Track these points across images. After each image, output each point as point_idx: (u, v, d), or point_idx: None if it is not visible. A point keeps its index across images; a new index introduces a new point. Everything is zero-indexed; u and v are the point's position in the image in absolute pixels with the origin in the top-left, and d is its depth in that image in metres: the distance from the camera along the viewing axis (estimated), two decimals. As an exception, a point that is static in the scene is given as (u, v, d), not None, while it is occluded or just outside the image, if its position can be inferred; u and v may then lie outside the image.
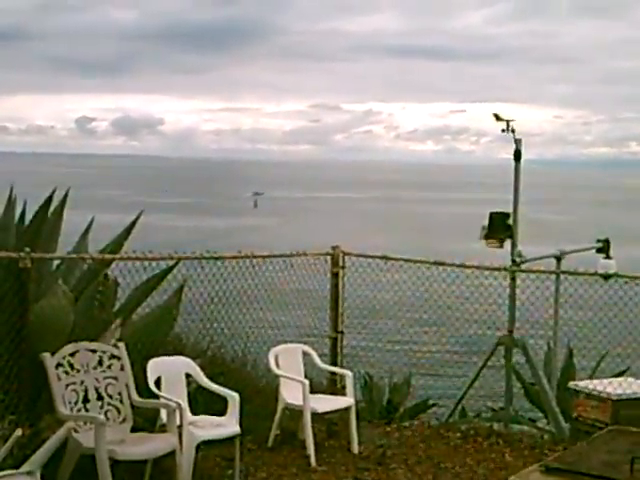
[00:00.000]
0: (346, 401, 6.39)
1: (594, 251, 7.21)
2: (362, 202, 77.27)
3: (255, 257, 7.01)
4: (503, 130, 6.91)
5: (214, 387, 5.75)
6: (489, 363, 7.20)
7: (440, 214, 63.40)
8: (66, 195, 6.52)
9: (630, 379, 6.83)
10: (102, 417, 4.99)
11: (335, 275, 7.48)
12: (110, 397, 5.29)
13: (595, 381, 6.85)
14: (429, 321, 8.27)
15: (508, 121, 6.87)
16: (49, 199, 6.38)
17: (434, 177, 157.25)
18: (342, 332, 7.55)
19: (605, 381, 6.73)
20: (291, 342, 6.86)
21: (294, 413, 6.32)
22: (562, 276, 7.10)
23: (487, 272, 7.35)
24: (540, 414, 7.75)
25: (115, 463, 4.83)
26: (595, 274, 6.84)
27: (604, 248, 7.12)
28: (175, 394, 5.43)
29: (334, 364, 7.33)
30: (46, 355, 5.06)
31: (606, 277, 6.80)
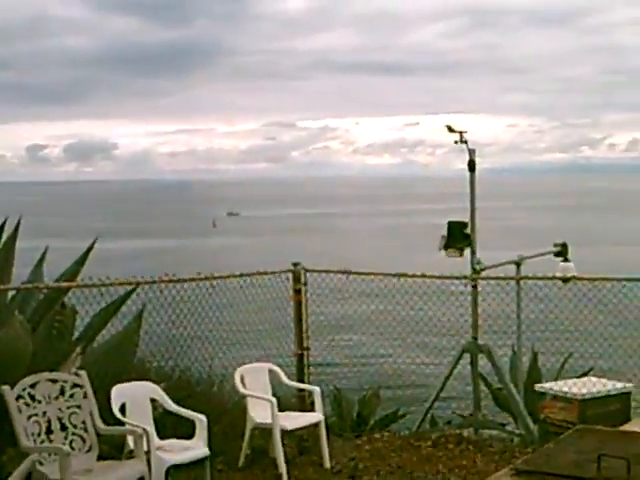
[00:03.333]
0: (315, 417, 6.39)
1: (552, 255, 7.34)
2: (323, 218, 77.54)
3: (215, 278, 6.99)
4: (456, 142, 7.00)
5: (180, 410, 5.70)
6: (455, 370, 7.26)
7: (401, 226, 63.98)
8: (18, 224, 6.44)
9: (594, 378, 6.96)
10: (67, 447, 4.91)
11: (297, 292, 7.50)
12: (74, 426, 5.22)
13: (560, 382, 6.96)
14: (394, 333, 8.32)
15: (461, 132, 6.96)
16: (0, 229, 6.29)
17: (392, 190, 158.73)
18: (308, 348, 7.56)
19: (570, 382, 6.84)
20: (257, 361, 6.85)
21: (264, 432, 6.30)
22: (522, 281, 7.20)
23: (448, 281, 7.43)
24: (509, 418, 7.84)
25: (82, 494, 4.75)
26: (554, 278, 6.96)
27: (562, 252, 7.25)
28: (141, 420, 5.37)
29: (301, 380, 7.33)
30: (5, 388, 4.96)
31: (565, 280, 6.92)
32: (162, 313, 6.85)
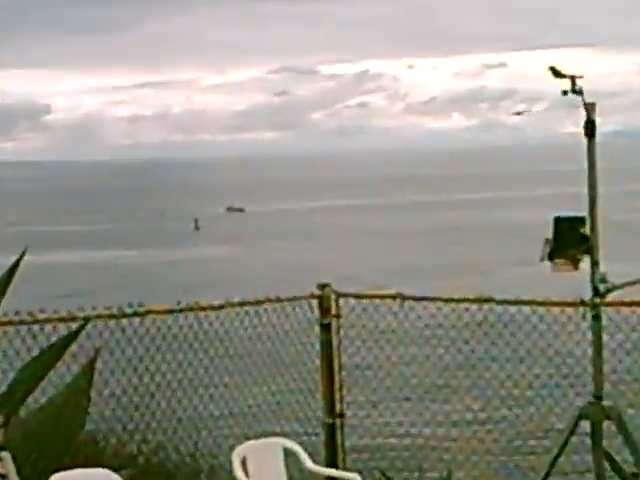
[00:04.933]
0: (355, 519, 6.43)
1: None
2: (356, 213, 77.66)
3: (203, 309, 7.03)
4: (565, 92, 6.97)
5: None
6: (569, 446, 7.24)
7: (480, 225, 63.80)
8: None
9: None
10: None
11: (326, 327, 7.48)
12: (-7, 536, 5.27)
13: None
14: (473, 389, 8.32)
15: (573, 77, 6.93)
16: None
17: (466, 169, 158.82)
18: (342, 415, 7.56)
19: None
20: (265, 435, 6.90)
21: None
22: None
23: (556, 309, 7.40)
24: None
25: None
26: None
27: None
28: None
29: (332, 464, 7.34)
30: None
31: None
32: (123, 363, 6.91)
